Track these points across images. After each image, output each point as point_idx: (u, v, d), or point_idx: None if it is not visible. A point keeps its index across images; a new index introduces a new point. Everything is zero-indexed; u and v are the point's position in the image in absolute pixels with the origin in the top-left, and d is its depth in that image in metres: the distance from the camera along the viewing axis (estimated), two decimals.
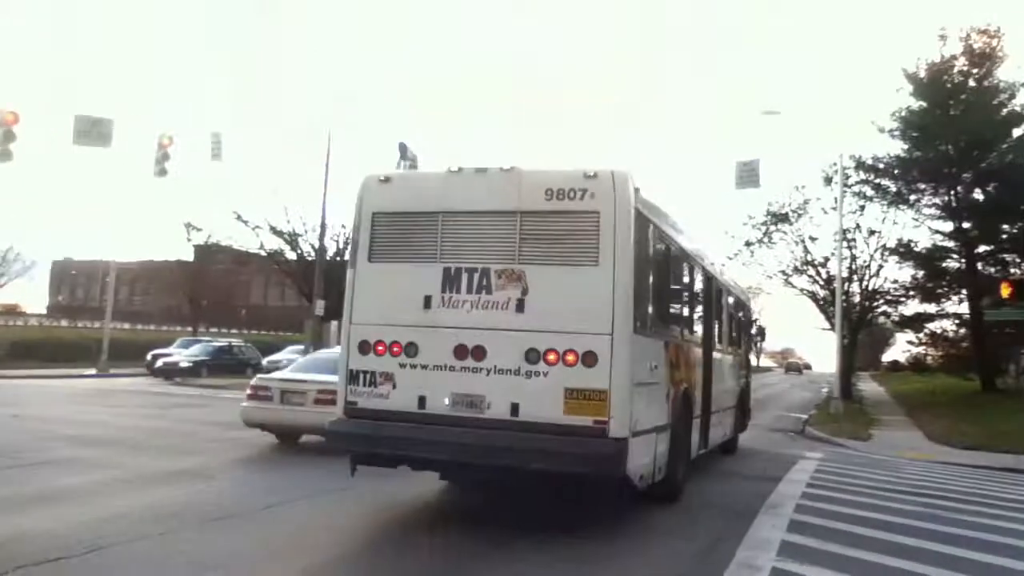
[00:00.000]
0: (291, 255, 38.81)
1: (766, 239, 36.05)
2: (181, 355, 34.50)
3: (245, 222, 37.07)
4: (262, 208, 37.53)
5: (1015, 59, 35.15)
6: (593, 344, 7.32)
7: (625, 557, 6.93)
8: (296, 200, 36.73)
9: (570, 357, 7.35)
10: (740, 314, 16.52)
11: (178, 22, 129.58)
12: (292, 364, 16.27)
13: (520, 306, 7.56)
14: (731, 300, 15.02)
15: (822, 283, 35.71)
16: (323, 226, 31.93)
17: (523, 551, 6.99)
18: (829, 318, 33.81)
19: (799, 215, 35.26)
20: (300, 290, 38.38)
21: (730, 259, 34.90)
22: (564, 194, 7.60)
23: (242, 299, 79.11)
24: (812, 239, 35.44)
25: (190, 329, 57.73)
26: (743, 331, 17.02)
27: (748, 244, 36.22)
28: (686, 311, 11.10)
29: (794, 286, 37.03)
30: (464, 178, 8.03)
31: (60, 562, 5.93)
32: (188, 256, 57.70)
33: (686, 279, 10.93)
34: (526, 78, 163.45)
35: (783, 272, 36.70)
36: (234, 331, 65.05)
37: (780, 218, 35.47)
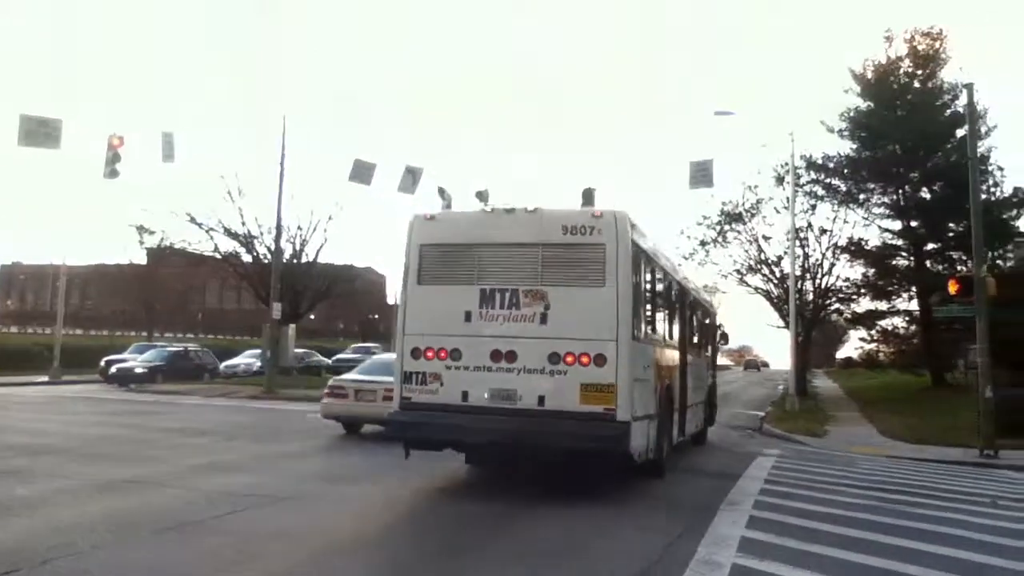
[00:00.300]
0: (247, 257, 38.23)
1: (720, 239, 36.45)
2: (136, 361, 33.77)
3: (199, 224, 36.43)
4: (219, 211, 36.86)
5: (957, 61, 36.12)
6: (602, 348, 9.08)
7: (577, 559, 6.98)
8: (256, 201, 36.09)
9: (584, 359, 9.11)
10: (708, 321, 18.18)
11: (178, 22, 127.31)
12: (357, 368, 18.80)
13: (544, 319, 9.31)
14: (701, 309, 16.81)
15: (776, 282, 36.18)
16: (279, 228, 31.46)
17: (508, 538, 7.11)
18: (783, 316, 34.36)
19: (752, 215, 35.74)
20: (257, 293, 37.78)
21: (686, 259, 35.30)
22: (577, 230, 9.38)
23: (198, 303, 77.91)
24: (765, 238, 35.96)
25: (144, 334, 56.73)
26: (710, 336, 18.64)
27: (703, 244, 36.58)
28: (667, 320, 12.76)
29: (748, 285, 37.50)
30: (496, 216, 9.82)
31: (11, 575, 5.78)
32: (141, 259, 56.52)
33: (667, 294, 12.75)
34: (526, 78, 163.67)
35: (738, 271, 37.14)
36: (190, 335, 64.13)
37: (734, 218, 35.85)
